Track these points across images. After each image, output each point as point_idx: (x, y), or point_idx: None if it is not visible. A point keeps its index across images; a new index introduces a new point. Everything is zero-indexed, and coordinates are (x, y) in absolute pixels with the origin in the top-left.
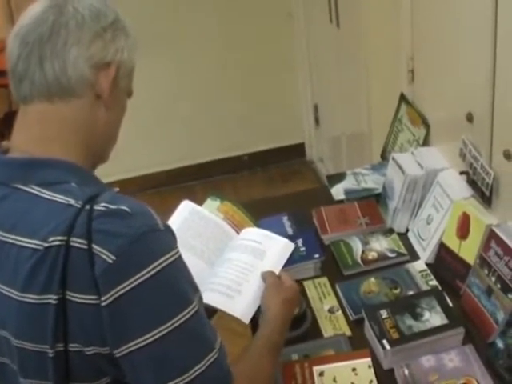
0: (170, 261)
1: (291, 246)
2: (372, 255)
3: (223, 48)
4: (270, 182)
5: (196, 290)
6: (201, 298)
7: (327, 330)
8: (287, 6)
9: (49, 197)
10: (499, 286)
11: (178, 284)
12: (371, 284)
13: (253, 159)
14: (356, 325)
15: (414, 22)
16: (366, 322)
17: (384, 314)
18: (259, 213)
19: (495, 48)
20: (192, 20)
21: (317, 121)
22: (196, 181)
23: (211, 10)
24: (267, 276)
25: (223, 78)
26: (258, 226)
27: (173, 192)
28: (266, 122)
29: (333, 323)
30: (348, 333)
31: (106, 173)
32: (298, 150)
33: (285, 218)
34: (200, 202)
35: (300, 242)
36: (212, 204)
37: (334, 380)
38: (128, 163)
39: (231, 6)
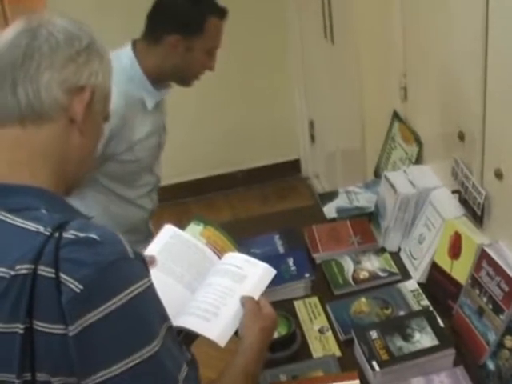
0: (138, 291)
1: (272, 271)
2: (363, 275)
3: (219, 64)
4: (265, 199)
5: (164, 319)
6: (170, 328)
7: (317, 351)
8: (282, 22)
9: (18, 223)
10: (491, 306)
11: (145, 315)
12: (362, 304)
13: (248, 175)
14: (346, 345)
15: (407, 39)
16: (356, 343)
17: (374, 334)
18: (251, 231)
19: (486, 67)
20: None
21: (312, 137)
22: (191, 197)
23: None
24: (246, 301)
25: (219, 94)
26: (251, 244)
27: (167, 208)
28: (262, 139)
29: (322, 344)
30: (338, 353)
31: None
32: (293, 166)
33: (276, 237)
34: None
35: (291, 261)
36: (195, 228)
37: None
38: None
39: (229, 22)
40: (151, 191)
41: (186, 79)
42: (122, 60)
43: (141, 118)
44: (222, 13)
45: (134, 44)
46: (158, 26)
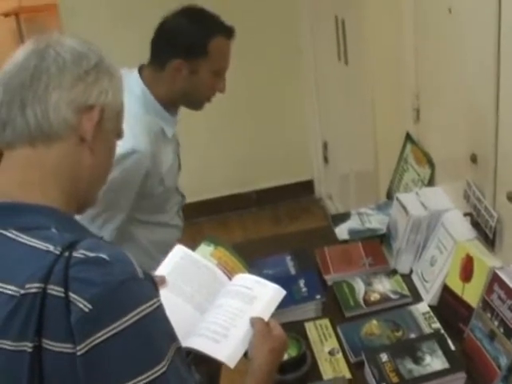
0: (147, 311)
1: (282, 292)
2: (374, 297)
3: (232, 84)
4: (278, 219)
5: (173, 340)
6: (178, 349)
7: (327, 373)
8: (296, 44)
9: (28, 242)
10: (502, 330)
11: (153, 336)
12: (373, 326)
13: (261, 196)
14: (356, 367)
15: (419, 62)
16: (366, 365)
17: (384, 357)
18: (263, 251)
19: (499, 89)
20: None
21: (325, 158)
22: (204, 217)
23: None
24: (255, 322)
25: (232, 114)
26: (262, 265)
27: None
28: (275, 159)
29: (333, 365)
30: (348, 376)
31: None
32: (306, 187)
33: (288, 258)
34: None
35: (302, 282)
36: (205, 249)
37: None
38: None
39: (240, 44)
40: (178, 209)
41: (196, 103)
42: (135, 91)
43: (164, 149)
44: (227, 32)
45: (141, 71)
46: (161, 51)
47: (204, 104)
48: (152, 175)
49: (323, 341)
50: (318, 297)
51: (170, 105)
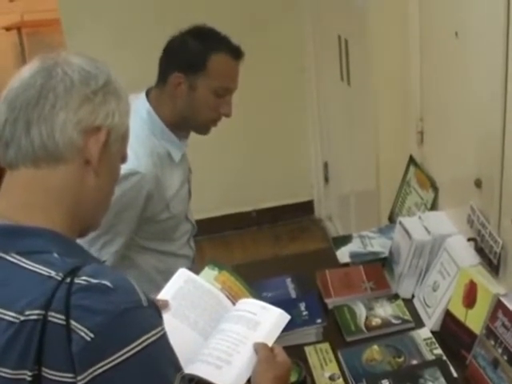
0: (151, 340)
1: (286, 317)
2: (376, 321)
3: (233, 102)
4: (277, 239)
5: (178, 369)
6: (183, 378)
7: None
8: (299, 63)
9: (29, 267)
10: (506, 358)
11: (158, 365)
12: (374, 351)
13: (261, 215)
14: None
15: (424, 84)
16: None
17: None
18: (263, 273)
19: (505, 113)
20: None
21: (326, 179)
22: (203, 236)
23: None
24: (260, 348)
25: (233, 133)
26: (262, 287)
27: None
28: (276, 179)
29: None
30: None
31: None
32: (306, 207)
33: (288, 280)
34: (207, 257)
35: (303, 305)
36: (210, 273)
37: None
38: None
39: (242, 62)
40: (189, 239)
41: (200, 125)
42: (141, 113)
43: (169, 173)
44: (231, 51)
45: (148, 93)
46: (164, 66)
47: (209, 127)
48: (155, 199)
49: (323, 365)
50: (319, 321)
51: (177, 128)
